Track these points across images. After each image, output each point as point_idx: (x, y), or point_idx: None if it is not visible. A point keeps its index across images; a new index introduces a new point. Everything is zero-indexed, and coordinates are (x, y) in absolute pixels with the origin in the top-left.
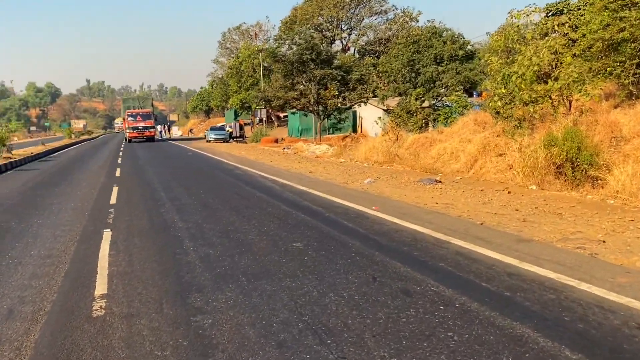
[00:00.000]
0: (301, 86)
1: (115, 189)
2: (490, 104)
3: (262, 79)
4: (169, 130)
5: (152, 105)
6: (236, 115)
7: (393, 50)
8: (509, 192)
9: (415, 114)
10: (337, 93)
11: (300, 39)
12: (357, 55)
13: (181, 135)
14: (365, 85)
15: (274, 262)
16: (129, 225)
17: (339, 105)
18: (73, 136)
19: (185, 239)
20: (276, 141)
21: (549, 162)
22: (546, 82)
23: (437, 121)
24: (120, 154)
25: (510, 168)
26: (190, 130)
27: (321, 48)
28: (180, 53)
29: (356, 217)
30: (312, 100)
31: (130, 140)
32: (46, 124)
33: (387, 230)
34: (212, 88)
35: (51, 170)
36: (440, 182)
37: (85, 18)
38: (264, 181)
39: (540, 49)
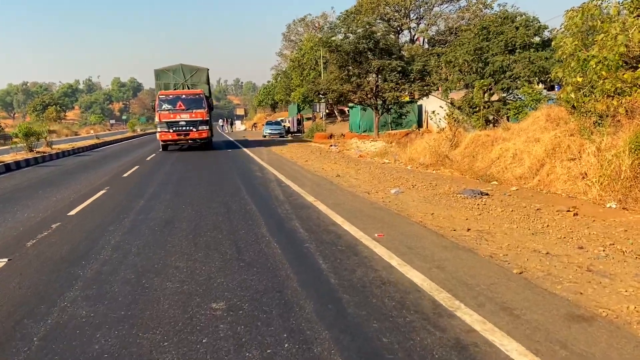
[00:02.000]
0: (357, 78)
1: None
2: (562, 96)
3: (322, 71)
4: (232, 125)
5: (208, 81)
6: (299, 109)
7: (459, 39)
8: (575, 214)
9: (479, 108)
10: (396, 85)
11: (356, 26)
12: (427, 46)
13: (245, 130)
14: (429, 77)
15: None
16: None
17: (399, 98)
18: (139, 129)
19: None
20: (330, 137)
21: (636, 171)
22: (636, 68)
23: (507, 116)
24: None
25: (584, 177)
26: (254, 125)
27: (379, 36)
28: (255, 47)
29: (344, 250)
30: (369, 93)
31: (165, 147)
32: (124, 117)
33: (372, 280)
34: (276, 81)
35: (67, 169)
36: (487, 194)
37: (166, 18)
38: (273, 188)
39: (629, 26)
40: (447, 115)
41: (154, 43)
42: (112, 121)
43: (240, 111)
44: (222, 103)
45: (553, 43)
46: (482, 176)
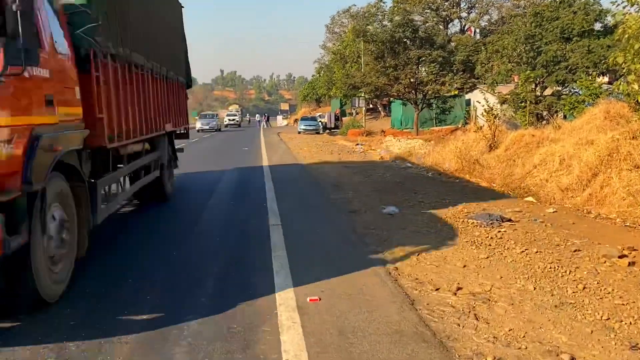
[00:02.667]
0: (394, 70)
1: None
2: (621, 88)
3: (362, 64)
4: (268, 120)
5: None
6: (341, 104)
7: (508, 26)
8: (630, 263)
9: (527, 103)
10: (437, 77)
11: (393, 14)
12: (478, 37)
13: (286, 125)
14: (476, 68)
15: None
16: None
17: (440, 92)
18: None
19: None
20: (366, 134)
21: None
22: None
23: (562, 114)
24: None
25: None
26: (296, 120)
27: (419, 24)
28: (307, 41)
29: (239, 333)
30: (408, 86)
31: None
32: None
33: None
34: (319, 75)
35: None
36: (509, 221)
37: (218, 15)
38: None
39: None
40: (485, 111)
41: (207, 39)
42: None
43: (284, 106)
44: (274, 98)
45: (612, 19)
46: (516, 189)
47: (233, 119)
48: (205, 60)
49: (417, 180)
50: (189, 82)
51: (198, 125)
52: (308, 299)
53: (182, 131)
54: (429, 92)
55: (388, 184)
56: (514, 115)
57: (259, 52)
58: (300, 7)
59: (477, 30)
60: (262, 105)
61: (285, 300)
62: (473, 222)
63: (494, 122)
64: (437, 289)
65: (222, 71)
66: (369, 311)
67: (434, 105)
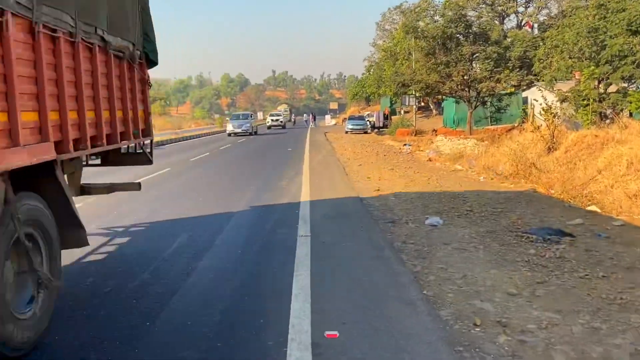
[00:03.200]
0: (445, 67)
1: None
2: None
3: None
4: (315, 120)
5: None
6: (391, 102)
7: (569, 18)
8: None
9: (590, 101)
10: (491, 74)
11: (445, 8)
12: (536, 32)
13: (334, 124)
14: (534, 65)
15: None
16: None
17: (496, 89)
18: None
19: None
20: (417, 133)
21: None
22: None
23: (629, 112)
24: None
25: None
26: (345, 120)
27: (472, 19)
28: (358, 40)
29: None
30: (460, 83)
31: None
32: (226, 112)
33: None
34: (369, 73)
35: None
36: (569, 236)
37: (269, 16)
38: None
39: None
40: (544, 109)
41: (258, 39)
42: (217, 115)
43: (333, 105)
44: (325, 97)
45: None
46: (577, 196)
47: (277, 120)
48: (257, 60)
49: (467, 185)
50: (150, 56)
51: (229, 128)
52: (325, 334)
53: (137, 149)
54: (483, 90)
55: (434, 190)
56: (574, 114)
57: (310, 52)
58: (351, 4)
59: (535, 25)
60: (313, 105)
61: (298, 334)
62: (528, 237)
63: (552, 121)
64: (474, 327)
65: (273, 71)
66: (395, 352)
67: (488, 103)
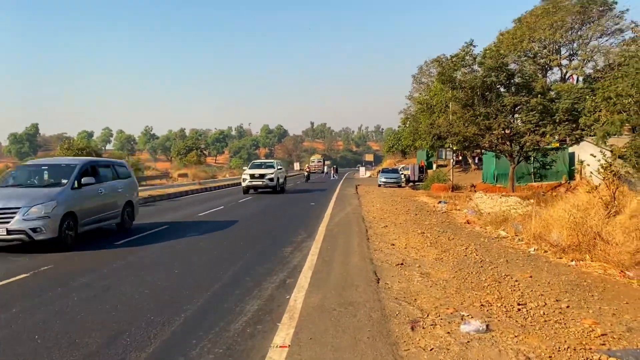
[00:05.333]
0: (485, 119)
1: None
2: None
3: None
4: (337, 172)
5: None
6: (428, 156)
7: (622, 69)
8: None
9: None
10: (536, 127)
11: (485, 57)
12: (582, 85)
13: (369, 177)
14: (581, 118)
15: None
16: None
17: (540, 143)
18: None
19: None
20: (454, 189)
21: None
22: None
23: None
24: None
25: None
26: (379, 172)
27: (514, 68)
28: (396, 93)
29: None
30: (502, 136)
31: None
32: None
33: None
34: (405, 126)
35: None
36: None
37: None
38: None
39: None
40: (603, 167)
41: (298, 91)
42: None
43: (369, 157)
44: (362, 149)
45: None
46: None
47: (259, 178)
48: (296, 112)
49: (516, 260)
50: None
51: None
52: None
53: None
54: (527, 144)
55: (473, 266)
56: (632, 172)
57: (348, 105)
58: (390, 58)
59: (580, 79)
60: (350, 156)
61: None
62: None
63: (613, 180)
64: None
65: (312, 123)
66: None
67: (532, 158)
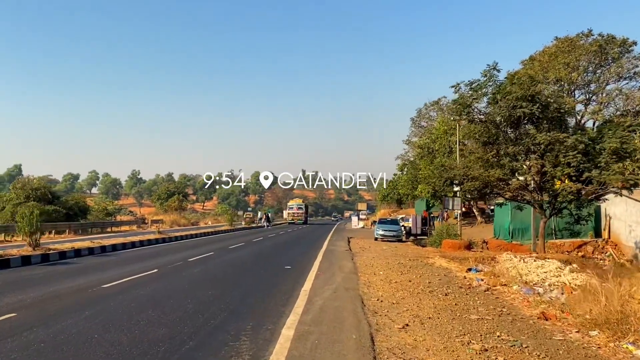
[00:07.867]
0: (511, 160)
1: None
2: None
3: (457, 156)
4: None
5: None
6: (428, 205)
7: None
8: None
9: None
10: (576, 172)
11: (512, 83)
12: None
13: (362, 227)
14: (627, 161)
15: None
16: None
17: (580, 192)
18: (244, 222)
19: None
20: (468, 247)
21: None
22: None
23: None
24: None
25: None
26: (374, 222)
27: (550, 98)
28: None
29: None
30: (532, 183)
31: None
32: (248, 209)
33: None
34: (402, 173)
35: None
36: None
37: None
38: None
39: None
40: None
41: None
42: (240, 212)
43: (362, 206)
44: (353, 198)
45: None
46: None
47: None
48: (287, 161)
49: None
50: None
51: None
52: None
53: None
54: (563, 193)
55: None
56: None
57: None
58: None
59: (597, 123)
60: (341, 205)
61: None
62: None
63: None
64: None
65: (303, 171)
66: None
67: (565, 211)
